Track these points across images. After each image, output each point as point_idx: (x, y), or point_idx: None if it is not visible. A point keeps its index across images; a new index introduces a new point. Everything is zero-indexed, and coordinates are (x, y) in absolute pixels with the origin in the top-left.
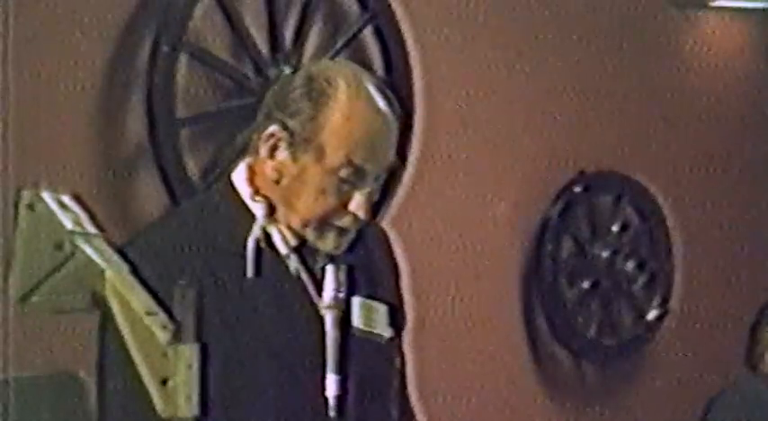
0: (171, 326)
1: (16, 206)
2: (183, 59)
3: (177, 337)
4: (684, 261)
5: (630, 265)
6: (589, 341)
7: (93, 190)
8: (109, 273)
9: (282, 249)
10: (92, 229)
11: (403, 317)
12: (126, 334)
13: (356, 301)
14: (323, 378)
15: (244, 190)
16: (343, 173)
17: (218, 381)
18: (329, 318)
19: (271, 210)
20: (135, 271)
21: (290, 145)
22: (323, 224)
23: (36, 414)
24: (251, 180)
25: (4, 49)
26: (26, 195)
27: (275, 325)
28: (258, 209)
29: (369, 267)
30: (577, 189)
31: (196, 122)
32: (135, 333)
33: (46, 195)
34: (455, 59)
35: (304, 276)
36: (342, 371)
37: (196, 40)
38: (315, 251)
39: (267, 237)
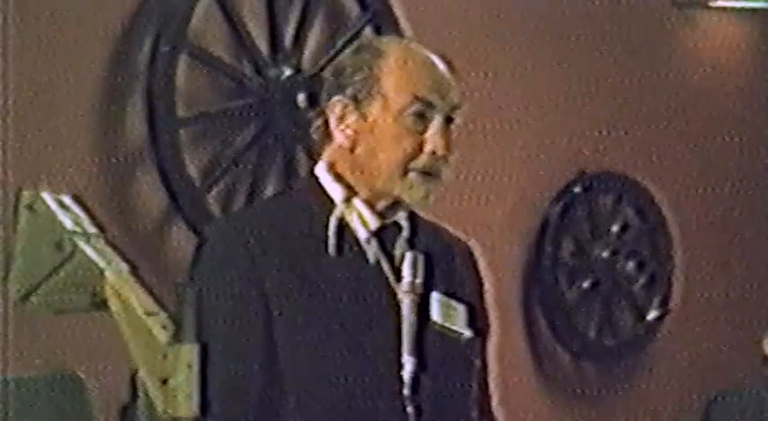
0: (171, 326)
1: (16, 206)
2: (183, 59)
3: (177, 337)
4: (684, 261)
5: (630, 265)
6: (589, 341)
7: (93, 190)
8: (109, 273)
9: (362, 234)
10: (92, 229)
11: (487, 326)
12: (126, 334)
13: (435, 297)
14: (399, 360)
15: (324, 177)
16: (412, 110)
17: (294, 358)
18: (406, 303)
19: (349, 195)
20: (134, 271)
21: (356, 105)
22: (405, 170)
23: (36, 414)
24: (332, 169)
25: (4, 49)
26: (26, 195)
27: (353, 306)
28: (338, 193)
29: (449, 266)
30: (577, 189)
31: (196, 122)
32: (135, 333)
33: (46, 195)
34: (454, 60)
35: (383, 261)
36: (417, 354)
37: (196, 40)
38: (395, 238)
39: (347, 225)
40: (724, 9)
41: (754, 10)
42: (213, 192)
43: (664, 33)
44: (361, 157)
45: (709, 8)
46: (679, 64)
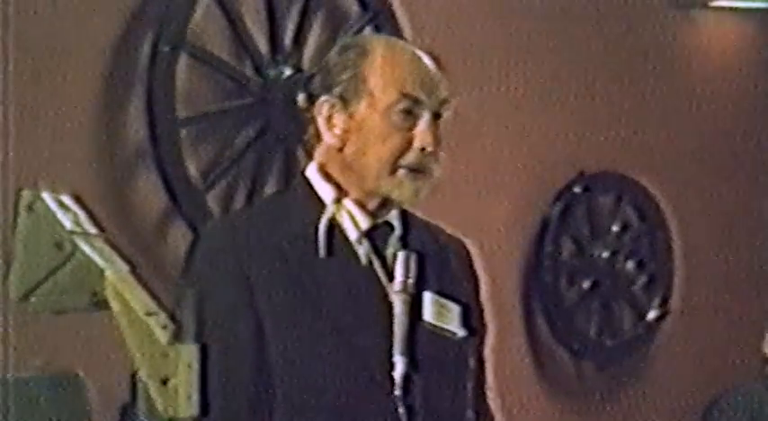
0: (171, 326)
1: (16, 206)
2: (183, 59)
3: (177, 337)
4: (684, 261)
5: (630, 265)
6: (589, 341)
7: (93, 190)
8: (109, 273)
9: (353, 234)
10: (92, 229)
11: (483, 325)
12: (126, 334)
13: (428, 297)
14: (390, 360)
15: (315, 178)
16: (399, 107)
17: (284, 358)
18: (398, 303)
19: (339, 195)
20: (134, 270)
21: (344, 105)
22: (394, 167)
23: (36, 414)
24: (322, 170)
25: (4, 49)
26: (26, 195)
27: (344, 306)
28: (328, 193)
29: (443, 266)
30: (577, 189)
31: (196, 122)
32: (135, 333)
33: (46, 195)
34: (455, 60)
35: (375, 261)
36: (409, 353)
37: (196, 40)
38: (387, 237)
39: (338, 226)
40: (724, 9)
41: (754, 10)
42: (213, 192)
43: (664, 33)
44: (350, 157)
45: (710, 8)
46: (679, 64)
